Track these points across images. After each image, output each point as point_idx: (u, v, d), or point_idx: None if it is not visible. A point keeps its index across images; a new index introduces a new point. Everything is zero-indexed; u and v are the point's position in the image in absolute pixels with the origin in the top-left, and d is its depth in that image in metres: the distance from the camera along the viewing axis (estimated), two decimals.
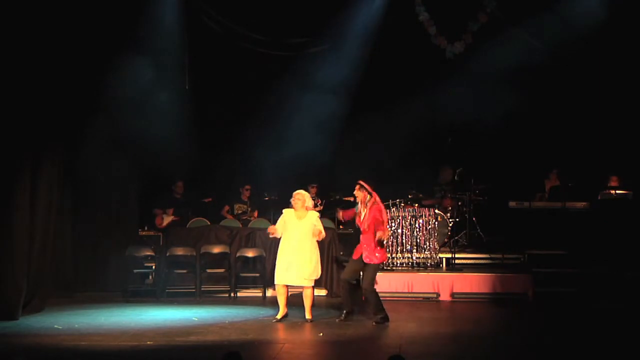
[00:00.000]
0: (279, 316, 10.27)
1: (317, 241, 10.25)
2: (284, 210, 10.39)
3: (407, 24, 13.06)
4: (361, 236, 10.15)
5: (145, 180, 13.51)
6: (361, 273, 10.35)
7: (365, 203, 10.10)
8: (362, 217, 10.11)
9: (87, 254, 13.03)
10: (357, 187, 10.14)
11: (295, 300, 10.65)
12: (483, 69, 13.03)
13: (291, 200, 10.30)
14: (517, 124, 13.89)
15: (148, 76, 12.51)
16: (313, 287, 10.27)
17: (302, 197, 10.27)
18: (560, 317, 10.67)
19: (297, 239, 10.11)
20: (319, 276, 10.33)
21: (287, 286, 10.21)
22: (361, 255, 10.05)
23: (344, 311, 10.25)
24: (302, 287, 10.23)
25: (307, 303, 10.22)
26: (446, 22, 13.14)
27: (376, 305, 10.06)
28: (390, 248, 12.64)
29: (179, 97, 13.04)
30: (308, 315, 10.23)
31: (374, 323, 9.97)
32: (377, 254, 10.01)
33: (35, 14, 10.52)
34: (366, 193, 10.09)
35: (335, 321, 10.16)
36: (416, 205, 13.16)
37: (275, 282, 10.26)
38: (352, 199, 13.88)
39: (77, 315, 10.65)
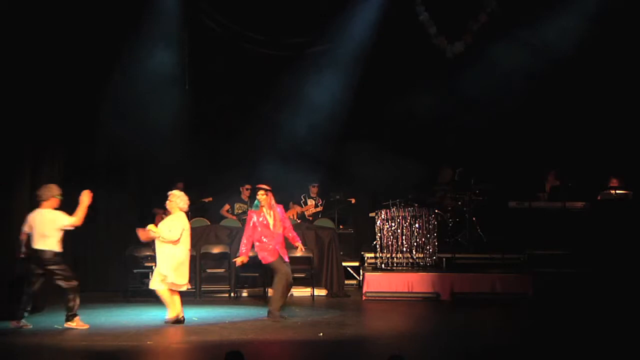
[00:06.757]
0: (169, 316, 9.96)
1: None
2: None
3: (407, 24, 13.07)
4: (274, 237, 10.04)
5: (145, 180, 13.50)
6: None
7: (270, 206, 10.16)
8: (272, 220, 10.09)
9: (87, 253, 13.04)
10: (262, 192, 10.13)
11: (296, 300, 10.63)
12: (483, 68, 13.04)
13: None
14: (517, 124, 13.89)
15: (148, 76, 12.52)
16: (165, 290, 9.83)
17: (173, 199, 9.94)
18: (560, 317, 10.67)
19: (157, 242, 9.89)
20: (180, 282, 9.81)
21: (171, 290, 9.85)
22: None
23: (280, 310, 10.10)
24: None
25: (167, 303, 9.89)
26: (446, 22, 13.15)
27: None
28: (390, 248, 12.66)
29: (178, 97, 13.04)
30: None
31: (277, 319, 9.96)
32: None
33: (36, 15, 10.54)
34: (271, 196, 10.18)
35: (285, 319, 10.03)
36: (416, 205, 13.16)
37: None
38: (353, 200, 14.01)
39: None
